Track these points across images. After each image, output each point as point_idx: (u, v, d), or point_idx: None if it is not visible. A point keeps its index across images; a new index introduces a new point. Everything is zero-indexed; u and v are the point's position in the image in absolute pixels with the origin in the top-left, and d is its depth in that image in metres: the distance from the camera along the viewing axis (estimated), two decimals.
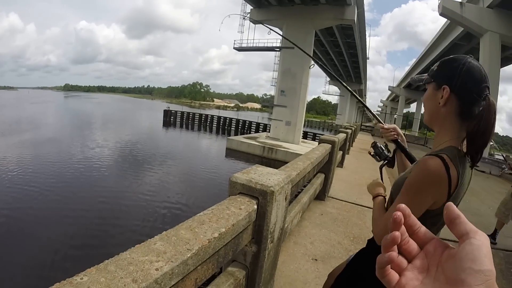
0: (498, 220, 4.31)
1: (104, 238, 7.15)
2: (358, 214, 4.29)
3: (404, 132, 27.79)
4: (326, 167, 4.41)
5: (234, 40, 23.27)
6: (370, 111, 1.78)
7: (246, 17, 21.88)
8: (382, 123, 1.47)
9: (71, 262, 5.94)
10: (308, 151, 3.62)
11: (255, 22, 21.60)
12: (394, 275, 0.36)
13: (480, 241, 0.32)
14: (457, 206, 0.96)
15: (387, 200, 1.25)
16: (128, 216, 8.55)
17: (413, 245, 0.38)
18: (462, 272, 0.31)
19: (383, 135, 1.42)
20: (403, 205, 0.37)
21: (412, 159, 1.35)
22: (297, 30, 19.15)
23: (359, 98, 1.92)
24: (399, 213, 0.36)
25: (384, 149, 1.49)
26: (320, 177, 4.26)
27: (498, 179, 11.17)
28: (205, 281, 1.11)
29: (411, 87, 43.05)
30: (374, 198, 1.30)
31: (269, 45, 22.30)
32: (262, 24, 17.13)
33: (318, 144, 4.45)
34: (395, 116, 50.07)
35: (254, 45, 22.94)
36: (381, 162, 1.51)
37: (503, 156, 10.91)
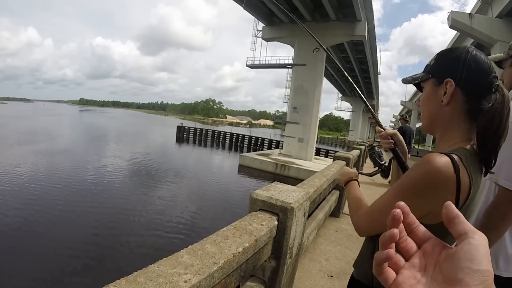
0: None
1: (119, 250, 7.21)
2: None
3: (417, 147, 27.25)
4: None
5: (247, 58, 23.71)
6: (369, 108, 1.40)
7: (258, 35, 22.32)
8: (381, 127, 1.23)
9: (80, 275, 6.01)
10: (322, 168, 3.63)
11: (267, 39, 22.00)
12: (391, 273, 0.36)
13: (479, 241, 0.32)
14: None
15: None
16: (145, 228, 8.64)
17: (411, 243, 0.38)
18: (460, 272, 0.31)
19: (381, 142, 1.21)
20: (402, 203, 0.37)
21: None
22: (309, 47, 19.31)
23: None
24: (398, 210, 0.36)
25: (380, 155, 1.29)
26: (335, 194, 4.24)
27: None
28: None
29: None
30: (346, 184, 1.24)
31: (281, 62, 22.58)
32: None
33: (333, 161, 4.46)
34: None
35: (267, 62, 23.25)
36: (375, 169, 1.32)
37: None
